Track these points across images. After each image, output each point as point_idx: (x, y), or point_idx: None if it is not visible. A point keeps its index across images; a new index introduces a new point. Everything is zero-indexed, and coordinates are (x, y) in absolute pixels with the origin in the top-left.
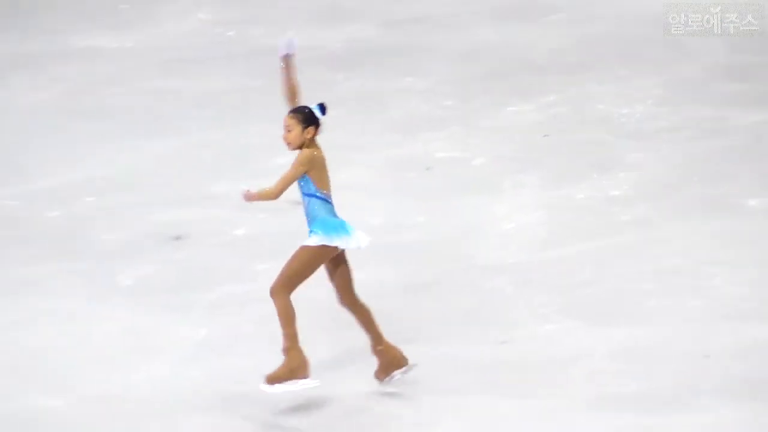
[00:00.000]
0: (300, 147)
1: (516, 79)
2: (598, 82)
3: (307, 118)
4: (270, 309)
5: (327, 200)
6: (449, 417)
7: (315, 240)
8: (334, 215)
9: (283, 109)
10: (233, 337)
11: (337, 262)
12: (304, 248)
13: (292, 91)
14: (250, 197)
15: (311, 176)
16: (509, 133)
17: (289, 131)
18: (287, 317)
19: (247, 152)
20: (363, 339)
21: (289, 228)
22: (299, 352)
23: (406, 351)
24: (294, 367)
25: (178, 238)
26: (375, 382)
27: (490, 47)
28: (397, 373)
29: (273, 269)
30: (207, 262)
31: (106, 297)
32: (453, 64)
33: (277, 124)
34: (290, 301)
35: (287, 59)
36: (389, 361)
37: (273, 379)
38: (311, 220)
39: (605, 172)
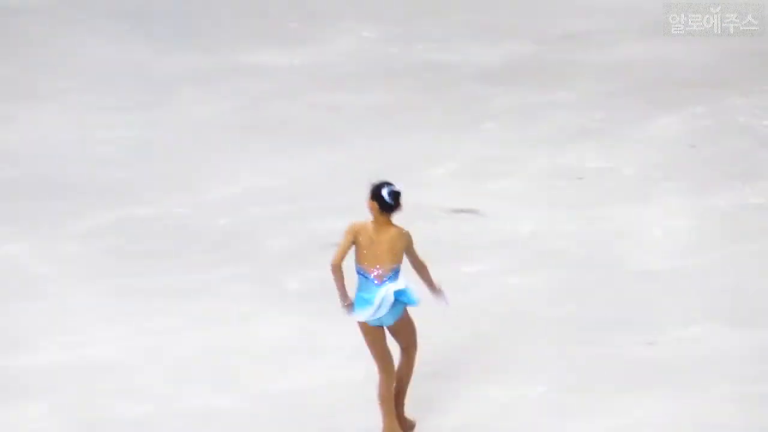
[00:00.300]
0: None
1: (661, 92)
2: (740, 95)
3: (372, 193)
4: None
5: (361, 274)
6: (604, 412)
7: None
8: (364, 291)
9: (440, 123)
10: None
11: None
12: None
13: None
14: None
15: (355, 244)
16: (656, 144)
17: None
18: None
19: (405, 163)
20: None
21: (443, 236)
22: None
23: (565, 352)
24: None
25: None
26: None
27: (637, 62)
28: None
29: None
30: None
31: (274, 300)
32: (602, 78)
33: (434, 136)
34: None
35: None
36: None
37: None
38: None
39: (747, 180)
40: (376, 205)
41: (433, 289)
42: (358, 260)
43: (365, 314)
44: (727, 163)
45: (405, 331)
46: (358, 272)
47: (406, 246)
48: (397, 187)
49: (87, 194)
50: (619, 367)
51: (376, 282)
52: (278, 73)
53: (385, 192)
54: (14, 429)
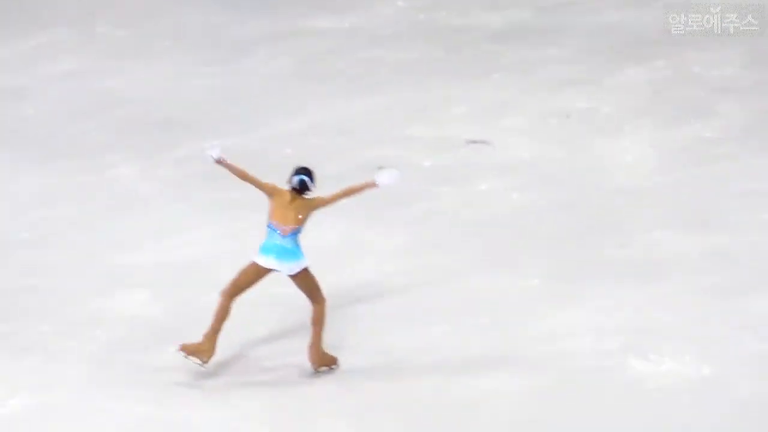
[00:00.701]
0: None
1: (633, 49)
2: (694, 50)
3: (291, 177)
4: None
5: (271, 227)
6: (586, 299)
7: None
8: (273, 240)
9: (458, 74)
10: (429, 244)
11: (293, 277)
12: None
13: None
14: (222, 161)
15: (270, 201)
16: (628, 90)
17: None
18: (219, 315)
19: (430, 106)
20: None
21: (460, 162)
22: (212, 345)
23: (555, 252)
24: (202, 351)
25: (381, 168)
26: None
27: (614, 25)
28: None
29: (452, 193)
30: (403, 187)
31: (327, 213)
32: (586, 38)
33: (453, 85)
34: (229, 305)
35: (220, 162)
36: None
37: (185, 348)
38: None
39: (700, 118)
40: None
41: (372, 185)
42: (271, 214)
43: (265, 261)
44: (685, 105)
45: (304, 286)
46: (269, 226)
47: (313, 209)
48: (306, 178)
49: (181, 129)
50: (597, 264)
51: (281, 234)
52: (330, 34)
53: (295, 180)
54: (124, 311)
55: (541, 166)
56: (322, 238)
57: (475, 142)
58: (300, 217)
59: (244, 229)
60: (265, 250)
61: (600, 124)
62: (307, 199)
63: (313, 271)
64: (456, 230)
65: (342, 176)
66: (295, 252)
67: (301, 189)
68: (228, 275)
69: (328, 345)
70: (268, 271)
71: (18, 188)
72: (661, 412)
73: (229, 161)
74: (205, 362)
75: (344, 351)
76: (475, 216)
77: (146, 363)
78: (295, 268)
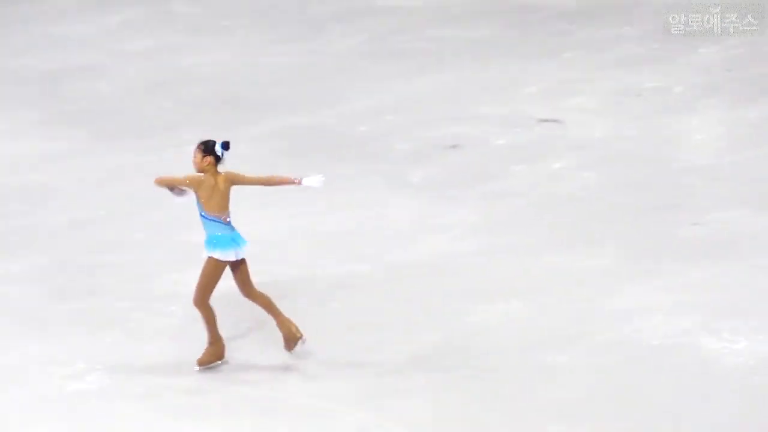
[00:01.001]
0: (201, 171)
1: None
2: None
3: (207, 149)
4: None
5: (214, 220)
6: (657, 276)
7: (214, 254)
8: (224, 231)
9: (530, 53)
10: (502, 222)
11: (234, 265)
12: (208, 260)
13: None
14: (159, 181)
15: (199, 198)
16: (699, 69)
17: (194, 157)
18: (210, 320)
19: (501, 84)
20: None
21: (532, 140)
22: (221, 343)
23: (626, 230)
24: (217, 353)
25: (454, 146)
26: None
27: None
28: (297, 346)
29: (524, 171)
30: (475, 165)
31: (400, 190)
32: (657, 17)
33: (525, 63)
34: (209, 307)
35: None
36: (288, 334)
37: (202, 362)
38: (206, 238)
39: None
40: (211, 158)
41: (294, 182)
42: (209, 209)
43: (235, 253)
44: (758, 84)
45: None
46: (210, 219)
47: (233, 184)
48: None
49: (256, 107)
50: (671, 242)
51: (224, 222)
52: (403, 12)
53: (219, 147)
54: None
55: (613, 145)
56: (395, 216)
57: (547, 120)
58: (229, 198)
59: (319, 208)
60: (222, 243)
61: (672, 103)
62: (229, 174)
63: (387, 248)
64: (529, 208)
65: (414, 153)
66: (239, 234)
67: (225, 149)
68: (303, 252)
69: (400, 321)
70: (227, 264)
71: (95, 165)
72: (736, 391)
73: (157, 179)
74: (223, 359)
75: (417, 328)
76: (548, 194)
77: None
78: (246, 249)
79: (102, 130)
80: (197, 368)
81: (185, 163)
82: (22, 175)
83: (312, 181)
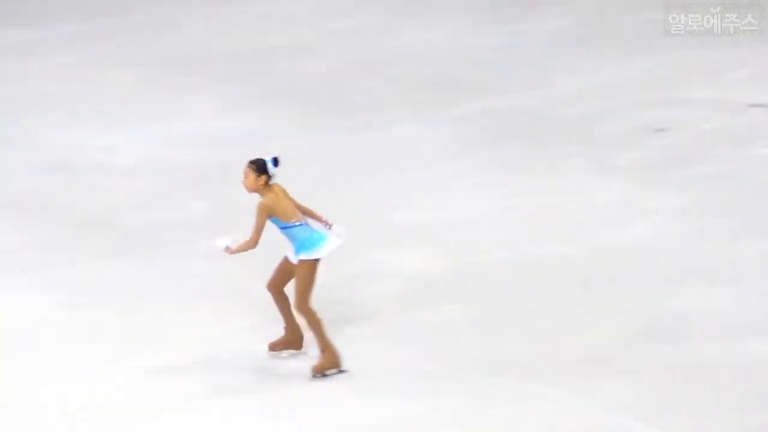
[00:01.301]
0: (254, 191)
1: None
2: None
3: (260, 168)
4: None
5: (294, 226)
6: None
7: (303, 256)
8: (310, 232)
9: (737, 39)
10: (708, 206)
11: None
12: (299, 265)
13: (254, 242)
14: (231, 252)
15: (275, 216)
16: None
17: (245, 177)
18: (316, 325)
19: (710, 68)
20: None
21: (740, 125)
22: (333, 349)
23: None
24: (333, 360)
25: (660, 129)
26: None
27: None
28: (286, 353)
29: (730, 156)
30: (682, 148)
31: (606, 173)
32: None
33: (731, 48)
34: (313, 311)
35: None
36: (290, 341)
37: (318, 369)
38: (295, 244)
39: None
40: (264, 178)
41: (324, 223)
42: (287, 219)
43: (324, 251)
44: None
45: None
46: (292, 226)
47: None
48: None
49: (462, 88)
50: None
51: (305, 224)
52: None
53: (270, 164)
54: (403, 267)
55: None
56: (600, 199)
57: (757, 105)
58: (294, 200)
59: (522, 190)
60: (307, 245)
61: None
62: (278, 185)
63: (591, 231)
64: (736, 192)
65: (622, 137)
66: (317, 230)
67: (276, 166)
68: (503, 233)
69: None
70: (318, 262)
71: (302, 143)
72: None
73: (234, 247)
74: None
75: (624, 310)
76: (755, 179)
77: (423, 319)
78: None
79: (309, 108)
80: (313, 376)
81: (389, 144)
82: (233, 151)
83: (338, 231)
